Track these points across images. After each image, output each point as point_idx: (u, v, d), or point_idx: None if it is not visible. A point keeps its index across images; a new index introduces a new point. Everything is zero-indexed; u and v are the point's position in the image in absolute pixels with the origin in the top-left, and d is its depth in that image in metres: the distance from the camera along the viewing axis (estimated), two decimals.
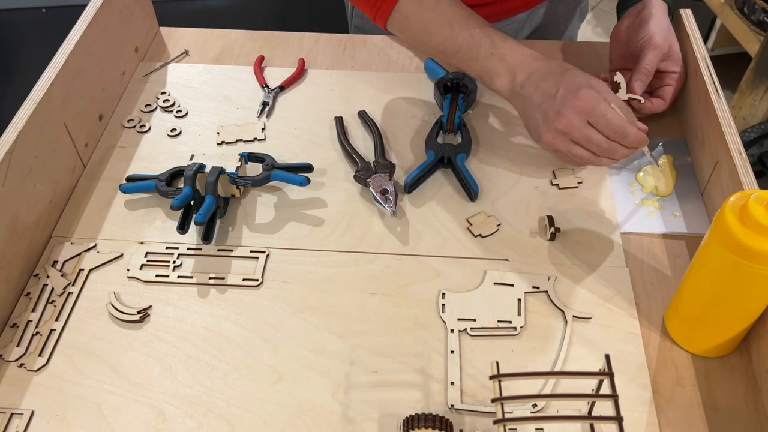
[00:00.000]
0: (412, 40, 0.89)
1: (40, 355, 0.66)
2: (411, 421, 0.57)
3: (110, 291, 0.71)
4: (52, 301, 0.70)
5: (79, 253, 0.74)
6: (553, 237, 0.75)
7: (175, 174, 0.81)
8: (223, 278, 0.72)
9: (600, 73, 0.84)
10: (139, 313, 0.69)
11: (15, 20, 2.50)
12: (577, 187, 0.80)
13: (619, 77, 0.81)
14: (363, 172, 0.80)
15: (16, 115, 0.72)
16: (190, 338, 0.67)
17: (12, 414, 0.62)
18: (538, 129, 0.76)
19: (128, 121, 0.89)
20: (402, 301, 0.70)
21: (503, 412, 0.52)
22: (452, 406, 0.62)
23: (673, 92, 0.83)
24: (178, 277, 0.72)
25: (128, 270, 0.73)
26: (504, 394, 0.53)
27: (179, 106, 0.91)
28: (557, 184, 0.80)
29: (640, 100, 0.81)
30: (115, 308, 0.69)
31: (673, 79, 0.82)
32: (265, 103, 0.91)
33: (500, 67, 0.80)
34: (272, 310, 0.70)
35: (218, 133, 0.87)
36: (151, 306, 0.70)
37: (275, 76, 0.95)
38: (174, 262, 0.73)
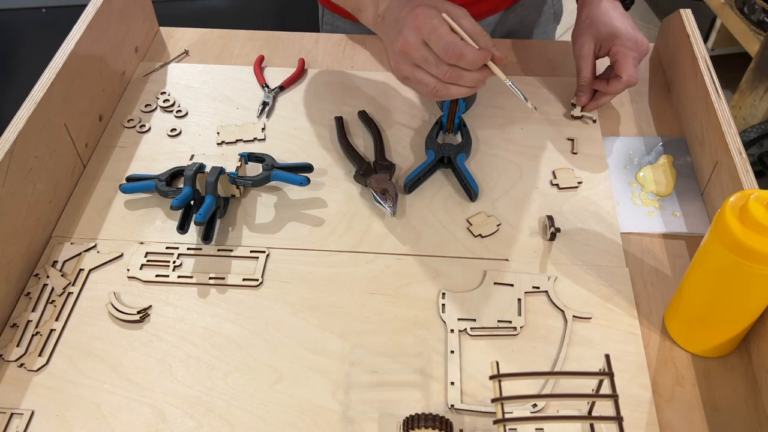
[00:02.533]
0: None
1: (40, 355, 0.66)
2: (411, 421, 0.57)
3: (110, 291, 0.71)
4: (52, 301, 0.70)
5: (79, 253, 0.74)
6: (553, 237, 0.75)
7: (175, 174, 0.81)
8: (223, 278, 0.72)
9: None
10: (139, 313, 0.69)
11: (15, 20, 2.50)
12: (577, 187, 0.80)
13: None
14: (363, 172, 0.80)
15: (16, 115, 0.72)
16: (190, 338, 0.67)
17: (12, 414, 0.62)
18: (389, 56, 0.72)
19: (128, 121, 0.89)
20: (402, 301, 0.70)
21: (503, 412, 0.52)
22: (452, 406, 0.62)
23: (626, 62, 0.80)
24: (178, 277, 0.72)
25: (128, 270, 0.73)
26: (504, 394, 0.53)
27: (179, 106, 0.91)
28: (557, 184, 0.80)
29: (592, 119, 0.86)
30: (115, 308, 0.69)
31: (620, 54, 0.80)
32: (265, 103, 0.91)
33: (367, 0, 0.77)
34: (272, 310, 0.70)
35: (218, 133, 0.87)
36: (151, 306, 0.70)
37: (275, 76, 0.95)
38: (174, 262, 0.73)
